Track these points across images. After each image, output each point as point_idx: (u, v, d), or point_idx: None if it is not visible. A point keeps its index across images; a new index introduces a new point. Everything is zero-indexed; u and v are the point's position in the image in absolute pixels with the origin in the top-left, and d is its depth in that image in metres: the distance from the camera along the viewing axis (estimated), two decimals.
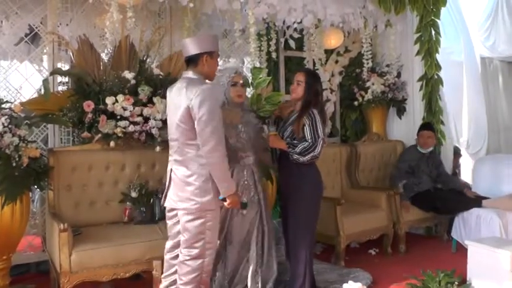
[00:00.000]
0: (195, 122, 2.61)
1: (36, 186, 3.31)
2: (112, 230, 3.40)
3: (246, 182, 3.19)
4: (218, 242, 2.92)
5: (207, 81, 2.80)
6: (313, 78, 3.31)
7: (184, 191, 2.69)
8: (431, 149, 4.81)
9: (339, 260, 4.05)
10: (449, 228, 4.66)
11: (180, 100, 2.66)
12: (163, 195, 2.87)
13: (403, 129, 5.44)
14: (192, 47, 2.75)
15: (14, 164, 2.97)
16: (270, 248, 3.26)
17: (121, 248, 3.18)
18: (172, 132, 2.78)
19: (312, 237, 3.26)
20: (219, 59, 4.52)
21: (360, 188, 4.88)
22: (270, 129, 3.22)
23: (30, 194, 3.36)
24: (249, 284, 3.17)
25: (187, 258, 2.72)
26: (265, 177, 3.70)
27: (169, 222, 2.88)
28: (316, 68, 5.31)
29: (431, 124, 4.95)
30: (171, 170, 2.81)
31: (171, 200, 2.78)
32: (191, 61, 2.77)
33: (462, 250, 3.97)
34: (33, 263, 3.93)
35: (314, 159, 3.16)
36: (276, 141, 3.22)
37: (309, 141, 3.13)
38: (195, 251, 2.70)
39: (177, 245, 2.83)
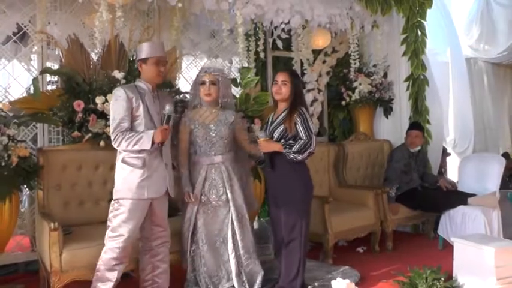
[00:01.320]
0: None
1: (25, 186, 3.30)
2: (102, 229, 3.37)
3: (214, 181, 3.23)
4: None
5: (139, 83, 3.03)
6: (296, 77, 3.37)
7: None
8: (419, 148, 4.87)
9: (327, 258, 4.08)
10: (436, 226, 4.74)
11: None
12: None
13: (390, 128, 5.50)
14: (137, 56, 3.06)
15: (3, 164, 2.98)
16: (248, 248, 3.26)
17: None
18: None
19: (306, 235, 3.27)
20: (206, 59, 4.57)
21: (347, 186, 4.93)
22: (260, 135, 3.22)
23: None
24: (235, 285, 3.20)
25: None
26: (252, 176, 3.73)
27: None
28: (304, 68, 5.35)
29: (419, 123, 5.01)
30: None
31: None
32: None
33: (448, 247, 4.04)
34: (21, 262, 3.91)
35: (310, 155, 3.19)
36: (269, 146, 3.21)
37: (304, 138, 3.16)
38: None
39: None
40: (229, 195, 3.23)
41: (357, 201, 4.60)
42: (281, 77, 3.28)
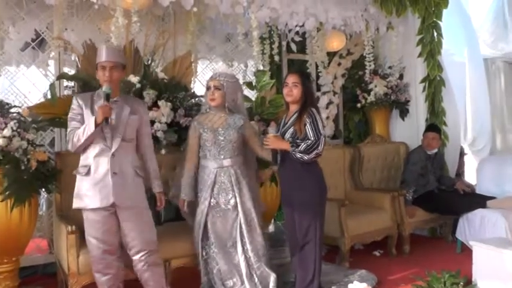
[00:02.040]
0: None
1: (43, 189, 3.34)
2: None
3: (223, 184, 3.24)
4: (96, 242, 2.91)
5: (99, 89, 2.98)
6: (307, 78, 3.36)
7: None
8: (435, 150, 4.82)
9: (344, 261, 4.06)
10: (454, 229, 4.68)
11: None
12: None
13: (406, 130, 5.45)
14: None
15: (23, 168, 3.01)
16: (257, 252, 3.25)
17: None
18: None
19: (320, 238, 3.26)
20: (221, 62, 4.54)
21: (363, 189, 4.90)
22: (270, 130, 3.23)
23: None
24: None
25: None
26: (269, 179, 3.73)
27: None
28: (319, 70, 5.34)
29: (436, 125, 4.96)
30: None
31: None
32: None
33: (467, 251, 3.98)
34: (40, 265, 3.97)
35: (317, 156, 3.17)
36: (277, 142, 3.20)
37: (312, 139, 3.14)
38: None
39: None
40: (238, 199, 3.24)
41: (373, 204, 4.57)
42: (291, 79, 3.27)
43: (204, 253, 3.28)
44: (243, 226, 3.23)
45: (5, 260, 3.13)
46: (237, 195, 3.24)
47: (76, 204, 2.89)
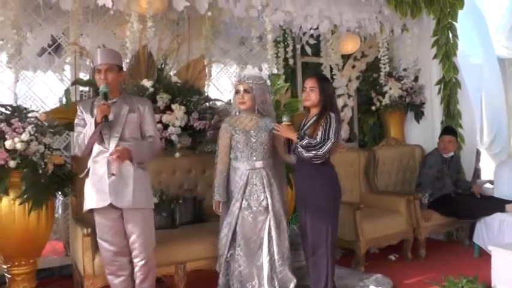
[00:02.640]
0: None
1: (60, 193, 3.38)
2: None
3: (255, 186, 3.23)
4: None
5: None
6: (324, 81, 3.33)
7: None
8: (452, 153, 4.76)
9: (359, 265, 4.03)
10: (471, 234, 4.61)
11: None
12: None
13: (422, 133, 5.40)
14: None
15: (40, 171, 3.05)
16: (282, 254, 3.24)
17: None
18: None
19: (333, 242, 3.24)
20: (236, 66, 4.57)
21: (378, 192, 4.86)
22: (283, 119, 3.23)
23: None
24: None
25: None
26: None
27: None
28: (333, 73, 5.32)
29: (452, 128, 4.89)
30: None
31: None
32: None
33: (485, 256, 3.94)
34: (56, 267, 4.02)
35: (316, 158, 3.10)
36: (287, 131, 3.17)
37: (317, 139, 3.11)
38: None
39: None
40: (269, 200, 3.23)
41: (388, 207, 4.52)
42: (309, 83, 3.26)
43: (228, 254, 3.27)
44: (272, 228, 3.22)
45: (23, 262, 3.17)
46: (268, 197, 3.23)
47: (83, 207, 2.95)
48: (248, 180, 3.24)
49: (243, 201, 3.23)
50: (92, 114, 2.89)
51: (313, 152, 3.09)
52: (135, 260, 2.95)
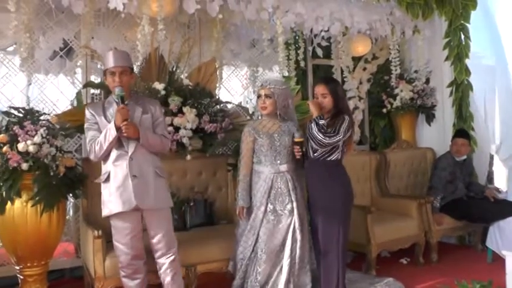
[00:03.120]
0: None
1: (71, 195, 3.40)
2: (144, 236, 3.45)
3: (279, 190, 3.22)
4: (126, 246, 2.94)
5: (108, 96, 3.05)
6: (334, 84, 3.31)
7: None
8: (464, 157, 4.71)
9: (370, 269, 4.00)
10: (484, 238, 4.55)
11: None
12: None
13: (433, 136, 5.37)
14: None
15: (52, 174, 3.07)
16: (303, 258, 3.23)
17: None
18: None
19: (344, 245, 3.22)
20: (246, 69, 4.59)
21: (390, 196, 4.83)
22: (295, 135, 3.23)
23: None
24: None
25: None
26: None
27: None
28: (344, 75, 5.30)
29: (465, 131, 4.84)
30: None
31: None
32: None
33: (498, 260, 3.87)
34: (67, 268, 4.05)
35: (321, 142, 3.14)
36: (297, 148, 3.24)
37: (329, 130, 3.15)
38: None
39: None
40: (294, 204, 3.22)
41: (400, 211, 4.49)
42: (319, 90, 3.26)
43: (250, 257, 3.25)
44: (297, 231, 3.20)
45: (34, 263, 3.19)
46: (293, 200, 3.22)
47: (103, 212, 2.92)
48: (273, 184, 3.22)
49: (268, 205, 3.21)
50: (105, 117, 2.90)
51: (322, 135, 3.10)
52: (163, 258, 2.98)
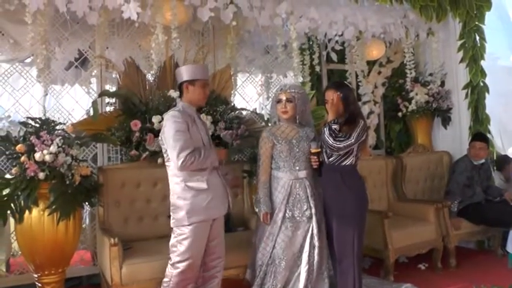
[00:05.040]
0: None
1: (87, 203, 3.43)
2: (161, 244, 3.45)
3: (298, 196, 3.20)
4: (196, 255, 2.95)
5: (184, 107, 3.00)
6: (343, 89, 3.27)
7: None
8: (483, 160, 4.64)
9: (388, 275, 3.96)
10: (504, 242, 4.48)
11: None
12: None
13: (449, 139, 5.31)
14: (178, 77, 3.05)
15: (67, 182, 3.10)
16: (321, 264, 3.20)
17: None
18: None
19: (359, 251, 3.19)
20: (261, 75, 4.62)
21: (406, 200, 4.78)
22: (312, 146, 3.21)
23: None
24: None
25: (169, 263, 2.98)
26: None
27: None
28: (359, 80, 5.28)
29: (484, 134, 4.76)
30: None
31: None
32: (179, 90, 3.08)
33: None
34: (84, 276, 4.08)
35: (332, 147, 3.14)
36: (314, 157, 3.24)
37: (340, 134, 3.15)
38: (170, 261, 2.96)
39: None
40: (313, 210, 3.20)
41: (417, 215, 4.44)
42: (329, 95, 3.25)
43: (268, 264, 3.22)
44: (315, 237, 3.17)
45: (52, 271, 3.22)
46: (312, 206, 3.20)
47: (194, 218, 2.89)
48: (291, 190, 3.20)
49: (287, 212, 3.19)
50: (196, 126, 2.98)
51: (332, 140, 3.11)
52: (218, 261, 3.12)
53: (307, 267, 3.14)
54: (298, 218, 3.18)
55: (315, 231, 3.17)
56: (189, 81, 2.97)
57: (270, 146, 3.23)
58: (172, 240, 2.95)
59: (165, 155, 2.97)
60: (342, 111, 3.21)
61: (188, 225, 2.88)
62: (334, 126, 3.15)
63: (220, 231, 3.13)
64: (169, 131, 2.85)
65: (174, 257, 2.92)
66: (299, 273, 3.17)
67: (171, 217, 2.95)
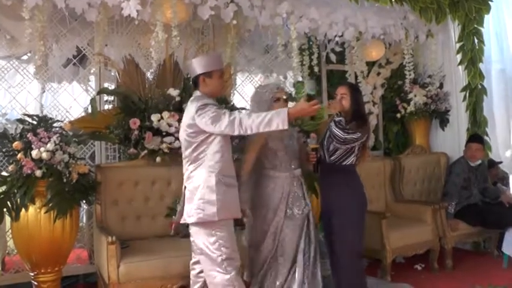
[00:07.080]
0: (201, 128, 2.69)
1: (84, 201, 3.41)
2: (159, 243, 3.46)
3: (296, 194, 3.20)
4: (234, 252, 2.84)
5: (202, 97, 2.83)
6: (355, 90, 3.30)
7: (192, 204, 2.75)
8: (479, 162, 4.66)
9: (385, 275, 3.97)
10: (499, 243, 4.50)
11: (185, 116, 2.80)
12: (178, 212, 2.96)
13: (447, 141, 5.32)
14: (192, 70, 2.89)
15: (65, 180, 3.08)
16: (315, 259, 3.21)
17: (168, 260, 3.22)
18: (183, 149, 2.86)
19: (358, 250, 3.21)
20: (261, 74, 4.59)
21: (404, 201, 4.79)
22: (310, 143, 3.22)
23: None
24: None
25: (211, 274, 2.76)
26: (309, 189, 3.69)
27: (191, 238, 2.92)
28: (358, 80, 5.28)
29: (480, 136, 4.79)
30: (185, 187, 2.87)
31: (185, 215, 2.82)
32: (194, 83, 2.91)
33: None
34: (81, 274, 4.04)
35: (337, 137, 3.12)
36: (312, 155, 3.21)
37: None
38: (217, 267, 2.74)
39: (198, 261, 2.91)
40: (309, 207, 3.22)
41: (414, 216, 4.45)
42: (341, 91, 3.24)
43: (268, 263, 3.22)
44: (312, 232, 3.20)
45: (48, 270, 3.20)
46: (308, 203, 3.23)
47: (225, 215, 2.74)
48: (290, 189, 3.19)
49: (288, 210, 3.18)
50: None
51: (341, 131, 3.08)
52: None
53: (302, 263, 3.15)
54: (297, 216, 3.18)
55: (312, 226, 3.20)
56: (205, 73, 2.82)
57: (261, 143, 3.16)
58: (211, 247, 2.73)
59: (188, 147, 2.78)
60: (348, 109, 3.20)
61: (218, 227, 2.73)
62: (339, 119, 3.16)
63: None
64: (204, 108, 2.66)
65: (222, 262, 2.72)
66: (295, 270, 3.16)
67: (197, 212, 2.72)
